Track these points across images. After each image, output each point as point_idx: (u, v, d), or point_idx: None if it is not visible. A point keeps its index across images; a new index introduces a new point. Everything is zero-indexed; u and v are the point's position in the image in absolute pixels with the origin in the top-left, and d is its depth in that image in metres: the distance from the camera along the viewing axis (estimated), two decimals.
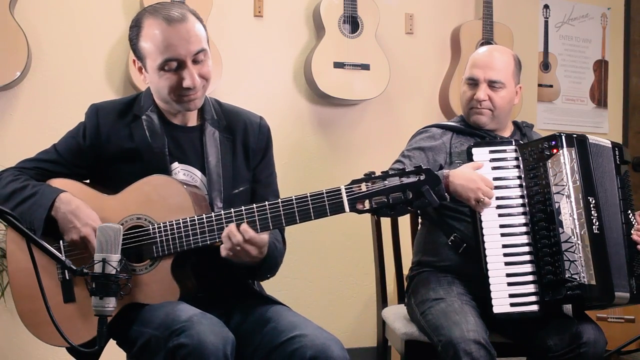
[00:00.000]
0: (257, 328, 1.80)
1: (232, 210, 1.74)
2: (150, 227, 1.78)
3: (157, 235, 1.77)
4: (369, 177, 1.68)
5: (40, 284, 1.49)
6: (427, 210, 2.42)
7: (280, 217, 1.72)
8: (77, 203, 1.79)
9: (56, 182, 1.88)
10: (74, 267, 1.46)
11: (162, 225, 1.77)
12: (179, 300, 1.75)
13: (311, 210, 1.71)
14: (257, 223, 1.73)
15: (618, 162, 2.22)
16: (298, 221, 1.72)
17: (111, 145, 1.89)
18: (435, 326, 2.12)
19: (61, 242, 1.81)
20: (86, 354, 1.71)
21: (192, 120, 1.94)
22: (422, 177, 1.65)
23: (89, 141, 1.90)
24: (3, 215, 1.40)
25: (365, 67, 3.48)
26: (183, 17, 1.78)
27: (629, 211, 2.21)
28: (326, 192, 1.70)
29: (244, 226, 1.71)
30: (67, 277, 1.80)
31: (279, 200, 1.73)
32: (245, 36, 3.48)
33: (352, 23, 3.49)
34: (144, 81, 1.89)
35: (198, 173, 1.90)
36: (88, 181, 1.96)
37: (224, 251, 1.74)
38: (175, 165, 1.89)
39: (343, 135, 3.65)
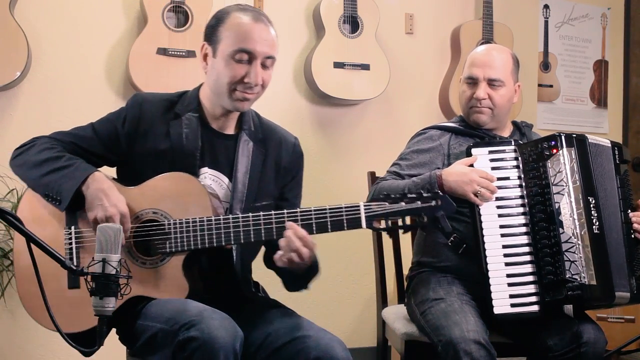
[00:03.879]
0: (259, 328, 1.80)
1: (250, 215, 1.77)
2: (166, 222, 1.79)
3: (172, 231, 1.78)
4: (387, 197, 1.75)
5: (40, 283, 1.49)
6: None
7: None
8: (110, 184, 1.80)
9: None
10: (74, 267, 1.45)
11: (177, 221, 1.78)
12: (187, 298, 1.76)
13: (329, 224, 1.76)
14: (274, 230, 1.77)
15: (618, 162, 2.22)
16: (314, 232, 1.76)
17: (147, 140, 1.89)
18: (435, 326, 2.12)
19: (72, 227, 1.82)
20: (83, 343, 1.72)
21: (231, 128, 1.96)
22: (439, 203, 1.73)
23: (127, 129, 1.90)
24: (3, 215, 1.40)
25: (365, 67, 3.48)
26: (268, 22, 1.89)
27: (629, 211, 2.21)
28: (345, 207, 1.76)
29: (299, 231, 1.74)
30: (75, 264, 1.80)
31: (298, 210, 1.77)
32: None
33: (352, 23, 3.49)
34: (204, 68, 1.91)
35: (226, 180, 1.92)
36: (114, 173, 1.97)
37: (280, 262, 1.77)
38: (205, 170, 1.90)
39: (343, 135, 3.65)
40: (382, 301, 2.66)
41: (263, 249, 2.03)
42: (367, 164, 3.07)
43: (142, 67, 3.12)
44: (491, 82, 2.37)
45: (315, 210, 1.76)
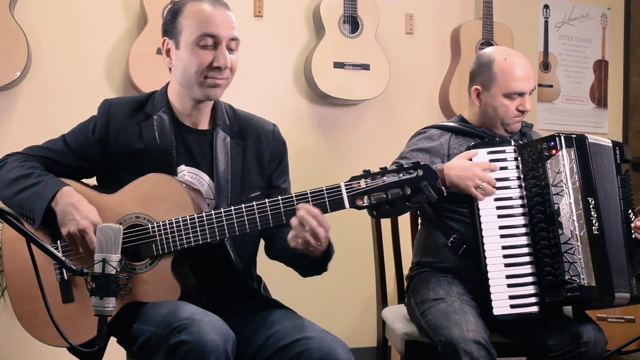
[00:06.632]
0: (260, 329, 1.79)
1: (232, 208, 1.74)
2: (149, 225, 1.77)
3: (157, 233, 1.76)
4: (368, 174, 1.69)
5: (40, 283, 1.49)
6: (426, 211, 2.42)
7: (281, 214, 1.73)
8: (78, 197, 1.78)
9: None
10: (74, 267, 1.45)
11: (161, 223, 1.76)
12: (180, 300, 1.75)
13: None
14: (258, 220, 1.73)
15: (619, 162, 2.21)
16: None
17: (119, 143, 1.88)
18: (435, 326, 2.12)
19: (59, 242, 1.81)
20: (87, 353, 1.71)
21: (204, 123, 1.93)
22: (420, 173, 1.66)
23: (98, 136, 1.89)
24: (3, 215, 1.40)
25: (365, 67, 3.48)
26: (227, 6, 1.87)
27: (630, 211, 2.21)
28: (326, 189, 1.71)
29: (312, 209, 1.68)
30: (66, 278, 1.79)
31: (279, 197, 1.73)
32: (245, 36, 3.45)
33: (352, 23, 3.49)
34: (168, 64, 1.89)
35: (206, 177, 1.89)
36: (88, 181, 1.95)
37: (293, 241, 1.72)
38: (182, 167, 1.88)
39: (343, 135, 3.65)
40: (382, 301, 2.66)
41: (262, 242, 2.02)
42: (367, 164, 3.06)
43: (142, 67, 3.12)
44: (531, 91, 2.39)
45: (296, 196, 1.72)
